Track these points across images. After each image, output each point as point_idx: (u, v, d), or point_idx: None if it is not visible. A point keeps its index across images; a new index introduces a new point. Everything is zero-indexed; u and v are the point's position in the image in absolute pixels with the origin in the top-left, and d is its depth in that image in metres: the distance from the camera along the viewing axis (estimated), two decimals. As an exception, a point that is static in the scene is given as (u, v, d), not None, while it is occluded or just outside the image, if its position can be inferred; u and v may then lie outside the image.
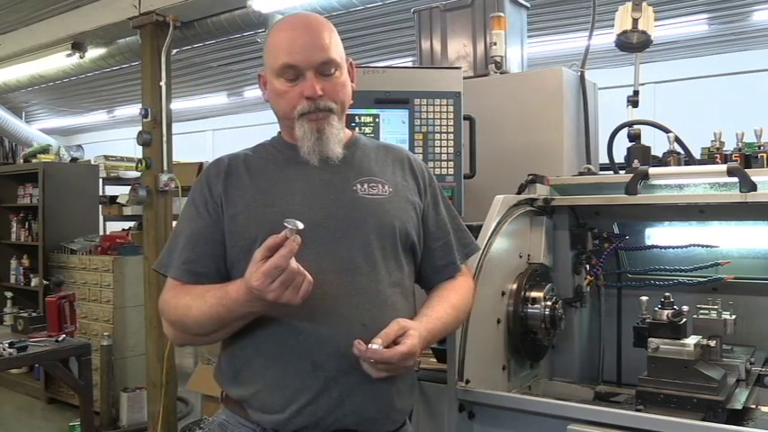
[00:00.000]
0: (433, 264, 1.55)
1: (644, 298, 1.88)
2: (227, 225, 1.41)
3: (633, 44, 2.46)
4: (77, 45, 5.21)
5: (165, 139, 4.30)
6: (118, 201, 5.83)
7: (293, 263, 1.19)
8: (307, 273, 1.22)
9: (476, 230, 1.93)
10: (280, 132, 1.56)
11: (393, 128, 2.25)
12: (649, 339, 1.77)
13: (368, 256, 1.40)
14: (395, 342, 1.30)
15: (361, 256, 1.39)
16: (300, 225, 1.19)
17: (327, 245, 1.38)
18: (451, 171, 2.26)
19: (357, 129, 2.22)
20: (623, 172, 2.22)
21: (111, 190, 6.38)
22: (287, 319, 1.34)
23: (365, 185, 1.45)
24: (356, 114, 2.22)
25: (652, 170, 2.02)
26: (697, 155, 2.25)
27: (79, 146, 9.83)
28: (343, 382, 1.34)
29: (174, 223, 4.44)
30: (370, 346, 1.27)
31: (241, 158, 1.49)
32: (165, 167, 4.29)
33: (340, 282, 1.36)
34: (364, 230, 1.41)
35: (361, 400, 1.36)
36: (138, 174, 4.81)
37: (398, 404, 1.44)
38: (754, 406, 1.77)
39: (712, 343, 1.80)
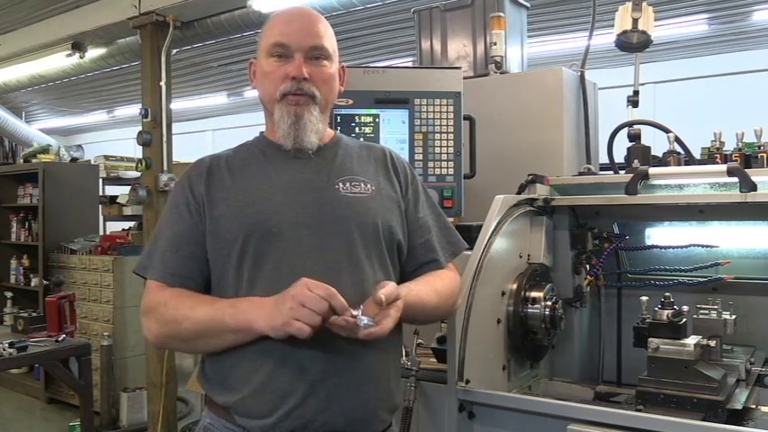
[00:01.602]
0: (415, 262, 1.52)
1: (644, 298, 1.88)
2: (208, 227, 1.39)
3: (633, 44, 2.46)
4: (77, 45, 5.22)
5: (165, 139, 4.31)
6: (118, 201, 5.83)
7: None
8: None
9: (476, 230, 1.93)
10: (262, 132, 1.54)
11: (393, 128, 2.25)
12: (649, 339, 1.77)
13: (351, 255, 1.38)
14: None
15: (344, 255, 1.38)
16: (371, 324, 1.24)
17: (310, 244, 1.36)
18: (451, 171, 2.26)
19: (357, 129, 2.22)
20: (623, 172, 2.22)
21: (111, 190, 6.39)
22: None
23: (347, 184, 1.44)
24: (356, 114, 2.22)
25: (652, 170, 2.02)
26: (697, 155, 2.25)
27: (79, 146, 9.83)
28: (329, 384, 1.32)
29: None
30: (358, 317, 1.26)
31: (223, 159, 1.47)
32: (165, 167, 4.30)
33: (324, 282, 1.31)
34: (347, 229, 1.39)
35: (349, 401, 1.34)
36: (138, 174, 4.82)
37: (386, 404, 1.43)
38: (754, 406, 1.77)
39: (712, 343, 1.79)
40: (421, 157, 2.25)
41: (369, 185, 1.46)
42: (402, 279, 1.51)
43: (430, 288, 1.45)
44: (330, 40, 1.45)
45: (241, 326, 1.29)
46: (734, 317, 1.86)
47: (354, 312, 1.25)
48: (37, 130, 9.31)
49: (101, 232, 6.12)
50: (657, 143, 2.37)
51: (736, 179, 1.83)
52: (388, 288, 1.29)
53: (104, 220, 6.34)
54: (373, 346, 1.35)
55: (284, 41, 1.40)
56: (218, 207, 1.40)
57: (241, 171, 1.45)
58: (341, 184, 1.43)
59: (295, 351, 1.32)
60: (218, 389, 1.39)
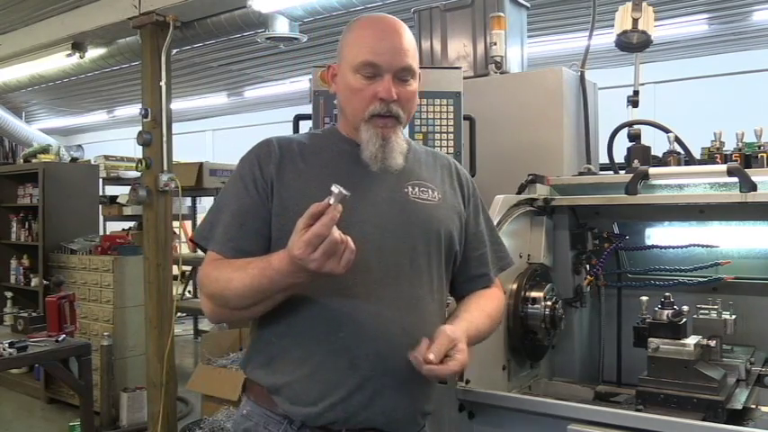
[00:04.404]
0: (467, 273, 1.55)
1: (644, 298, 1.88)
2: (275, 207, 1.38)
3: (633, 44, 2.46)
4: (77, 45, 5.21)
5: (165, 139, 4.30)
6: (118, 201, 5.84)
7: (336, 231, 1.15)
8: (350, 240, 1.18)
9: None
10: (334, 124, 1.54)
11: (393, 128, 2.24)
12: (649, 339, 1.77)
13: (413, 260, 1.40)
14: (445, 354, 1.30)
15: (406, 260, 1.39)
16: (346, 192, 1.16)
17: (375, 243, 1.36)
18: (451, 171, 2.26)
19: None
20: (623, 172, 2.22)
21: (111, 190, 6.40)
22: (329, 314, 1.34)
23: (416, 189, 1.45)
24: (356, 114, 2.22)
25: (652, 170, 2.02)
26: (697, 155, 2.25)
27: (79, 146, 9.85)
28: (377, 383, 1.34)
29: (174, 220, 4.42)
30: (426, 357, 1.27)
31: (295, 143, 1.47)
32: (165, 167, 4.29)
33: (385, 283, 1.36)
34: (412, 235, 1.41)
35: (392, 401, 1.36)
36: (138, 174, 4.81)
37: (425, 407, 1.45)
38: (754, 406, 1.77)
39: (712, 343, 1.80)
40: (421, 157, 2.25)
41: (436, 193, 1.47)
42: (451, 288, 1.55)
43: (485, 315, 1.49)
44: (415, 55, 1.44)
45: (283, 287, 1.27)
46: (734, 317, 1.86)
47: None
48: (37, 130, 9.29)
49: (101, 232, 6.11)
50: (657, 143, 2.37)
51: (736, 179, 1.83)
52: (441, 344, 1.28)
53: (104, 220, 6.34)
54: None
55: (375, 62, 1.38)
56: (289, 188, 1.39)
57: (314, 157, 1.44)
58: (410, 188, 1.44)
59: (349, 346, 1.33)
60: (265, 370, 1.39)
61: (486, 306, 1.51)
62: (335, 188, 1.15)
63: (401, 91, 1.40)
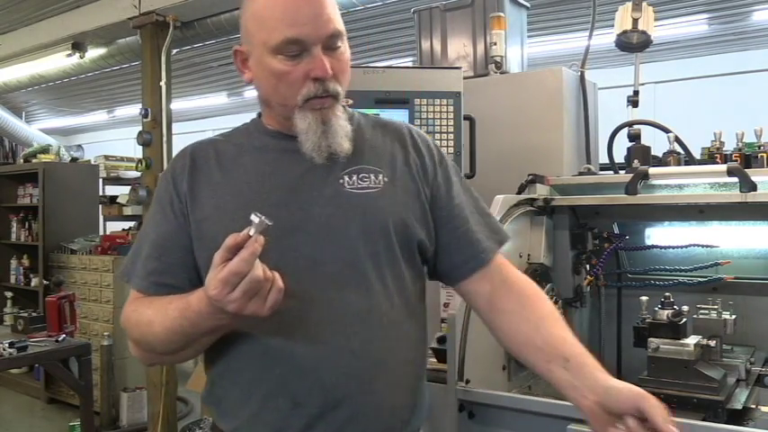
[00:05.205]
0: (456, 257, 1.30)
1: (644, 298, 1.88)
2: (193, 231, 1.20)
3: (633, 44, 2.46)
4: (77, 45, 5.23)
5: (165, 139, 4.31)
6: (118, 201, 5.84)
7: (258, 268, 0.98)
8: (278, 277, 1.01)
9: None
10: (260, 114, 1.32)
11: (393, 128, 2.25)
12: (649, 339, 1.77)
13: (356, 265, 1.17)
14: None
15: (347, 266, 1.17)
16: (268, 222, 1.00)
17: (308, 254, 1.16)
18: (451, 171, 2.26)
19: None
20: (623, 172, 2.22)
21: (111, 190, 6.39)
22: (262, 349, 1.16)
23: (353, 177, 1.21)
24: (356, 114, 2.22)
25: (652, 170, 2.02)
26: (697, 155, 2.25)
27: (79, 146, 9.84)
28: (330, 420, 1.14)
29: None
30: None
31: (211, 148, 1.27)
32: (165, 167, 4.30)
33: (322, 300, 1.15)
34: (350, 236, 1.18)
35: None
36: (138, 174, 4.82)
37: (406, 430, 1.24)
38: (754, 406, 1.76)
39: (712, 343, 1.79)
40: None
41: (380, 177, 1.23)
42: (442, 275, 1.34)
43: (562, 324, 1.24)
44: (338, 13, 1.19)
45: (207, 330, 1.11)
46: (734, 317, 1.86)
47: None
48: (37, 130, 9.30)
49: (101, 232, 6.12)
50: (657, 143, 2.37)
51: (736, 179, 1.82)
52: (660, 413, 1.10)
53: (104, 220, 6.34)
54: (384, 374, 1.20)
55: (299, 37, 1.13)
56: (203, 207, 1.20)
57: (232, 163, 1.24)
58: (346, 178, 1.21)
59: (287, 383, 1.16)
60: (217, 412, 1.27)
61: (553, 312, 1.26)
62: (255, 217, 0.99)
63: (334, 63, 1.16)
